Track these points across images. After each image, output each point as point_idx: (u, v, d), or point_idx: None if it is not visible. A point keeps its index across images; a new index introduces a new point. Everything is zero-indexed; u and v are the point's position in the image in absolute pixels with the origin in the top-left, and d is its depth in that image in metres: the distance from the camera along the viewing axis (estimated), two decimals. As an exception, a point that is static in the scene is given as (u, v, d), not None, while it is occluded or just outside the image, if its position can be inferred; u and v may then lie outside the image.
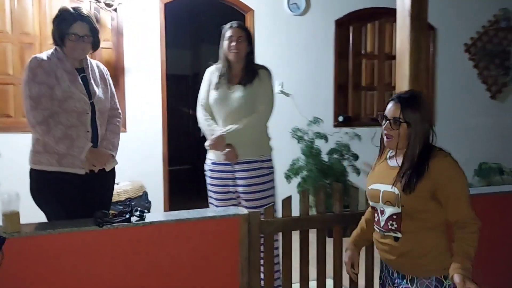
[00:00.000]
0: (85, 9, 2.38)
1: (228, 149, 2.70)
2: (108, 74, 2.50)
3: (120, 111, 2.53)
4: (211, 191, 2.87)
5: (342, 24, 4.97)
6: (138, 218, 2.16)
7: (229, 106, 2.74)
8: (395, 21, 2.81)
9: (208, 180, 2.87)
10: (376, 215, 1.90)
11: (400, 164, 1.81)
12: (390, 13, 4.76)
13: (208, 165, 2.87)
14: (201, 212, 2.51)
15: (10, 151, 3.56)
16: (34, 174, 2.29)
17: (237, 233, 2.30)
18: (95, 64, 2.45)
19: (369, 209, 2.06)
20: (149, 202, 3.87)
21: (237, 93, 2.73)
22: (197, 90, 2.92)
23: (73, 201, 2.25)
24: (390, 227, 1.81)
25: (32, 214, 2.18)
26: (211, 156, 2.84)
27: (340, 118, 4.96)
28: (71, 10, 2.28)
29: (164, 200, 4.33)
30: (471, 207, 1.75)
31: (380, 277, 2.01)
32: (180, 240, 2.24)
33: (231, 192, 2.81)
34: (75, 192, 2.26)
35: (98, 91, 2.37)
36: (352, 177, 4.41)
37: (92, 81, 2.36)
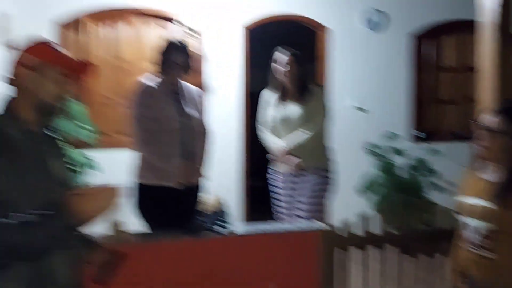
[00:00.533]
0: (185, 40, 2.68)
1: (292, 160, 2.92)
2: (199, 95, 2.75)
3: (209, 129, 2.76)
4: (275, 199, 3.11)
5: (420, 38, 4.91)
6: (224, 229, 2.34)
7: (288, 123, 2.99)
8: (475, 33, 2.77)
9: (272, 189, 3.12)
10: (465, 231, 1.78)
11: (495, 177, 1.72)
12: (470, 25, 4.63)
13: (271, 176, 3.10)
14: (281, 225, 2.65)
15: (106, 166, 3.97)
16: (138, 188, 2.56)
17: (315, 246, 2.40)
18: (189, 87, 2.71)
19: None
20: (227, 216, 4.07)
21: (294, 110, 2.98)
22: None
23: (170, 212, 2.49)
24: (482, 245, 1.70)
25: (132, 223, 2.44)
26: (274, 167, 3.09)
27: (418, 134, 4.87)
28: (176, 42, 2.59)
29: (243, 214, 4.52)
30: None
31: None
32: (262, 250, 2.38)
33: (293, 202, 3.00)
34: (171, 204, 2.50)
35: (191, 111, 2.62)
36: (431, 194, 4.30)
37: (185, 102, 2.62)
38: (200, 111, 2.70)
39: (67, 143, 3.63)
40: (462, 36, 4.99)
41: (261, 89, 3.25)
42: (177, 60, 2.53)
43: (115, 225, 2.22)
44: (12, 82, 1.38)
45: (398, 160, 4.37)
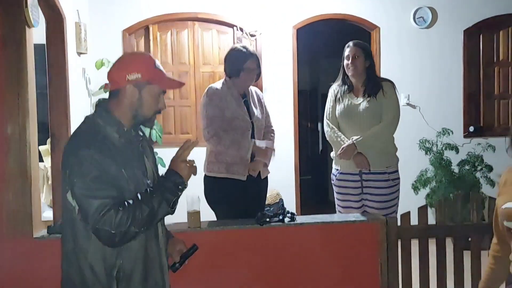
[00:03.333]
0: (248, 46, 2.87)
1: (360, 157, 2.82)
2: (263, 98, 2.96)
3: (273, 128, 2.97)
4: (338, 199, 3.00)
5: (471, 33, 4.89)
6: (290, 219, 2.53)
7: (355, 118, 2.89)
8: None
9: (335, 189, 3.01)
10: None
11: None
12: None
13: (335, 175, 3.01)
14: (343, 216, 2.80)
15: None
16: (207, 180, 2.81)
17: (376, 237, 2.53)
18: (253, 90, 2.93)
19: (495, 241, 1.77)
20: (285, 208, 4.26)
21: (362, 105, 2.88)
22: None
23: (237, 203, 2.72)
24: None
25: (205, 213, 2.68)
26: (338, 166, 2.98)
27: (471, 129, 4.86)
28: (243, 48, 2.77)
29: (296, 207, 4.70)
30: None
31: None
32: (324, 240, 2.54)
33: (356, 201, 2.92)
34: (238, 195, 2.73)
35: (257, 112, 2.84)
36: (485, 189, 4.31)
37: (252, 104, 2.84)
38: (264, 111, 2.91)
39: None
40: (515, 30, 4.94)
41: (309, 87, 3.30)
42: (248, 66, 2.72)
43: (194, 214, 2.45)
44: (115, 91, 1.56)
45: (451, 156, 4.40)
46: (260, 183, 2.87)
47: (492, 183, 4.29)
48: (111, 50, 4.27)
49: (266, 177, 2.92)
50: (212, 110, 2.74)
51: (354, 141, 2.83)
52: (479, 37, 4.94)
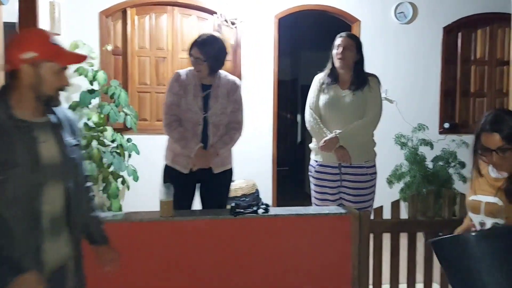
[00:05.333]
0: (208, 36, 2.70)
1: (341, 150, 2.80)
2: (239, 91, 2.76)
3: (240, 124, 2.76)
4: (315, 191, 2.98)
5: (450, 31, 4.94)
6: (264, 211, 2.51)
7: (339, 110, 2.86)
8: (508, 26, 2.79)
9: (313, 181, 2.98)
10: (473, 229, 1.88)
11: (503, 175, 1.79)
12: (502, 18, 4.65)
13: (313, 167, 2.98)
14: (317, 209, 2.80)
15: (145, 150, 4.19)
16: (165, 169, 2.79)
17: (349, 230, 2.54)
18: (227, 81, 2.74)
19: (466, 220, 2.01)
20: (261, 199, 4.25)
21: (347, 98, 2.85)
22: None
23: (178, 195, 2.52)
24: None
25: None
26: (317, 158, 2.95)
27: (446, 125, 4.94)
28: (198, 37, 2.68)
29: (272, 198, 4.69)
30: None
31: None
32: (298, 232, 2.53)
33: (334, 194, 2.91)
34: (179, 186, 2.55)
35: (216, 107, 2.68)
36: (458, 185, 4.39)
37: (213, 98, 2.68)
38: (231, 106, 2.72)
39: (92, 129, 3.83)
40: (495, 29, 5.01)
41: (289, 77, 3.21)
42: (194, 54, 2.61)
43: (167, 203, 2.41)
44: (11, 74, 1.46)
45: (426, 151, 4.46)
46: (214, 177, 2.73)
47: (464, 180, 4.37)
48: (86, 33, 4.15)
49: (227, 172, 2.80)
50: (171, 97, 2.69)
51: (338, 134, 2.81)
52: (458, 35, 5.00)
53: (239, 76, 4.51)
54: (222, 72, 2.77)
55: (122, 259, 1.80)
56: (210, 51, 2.61)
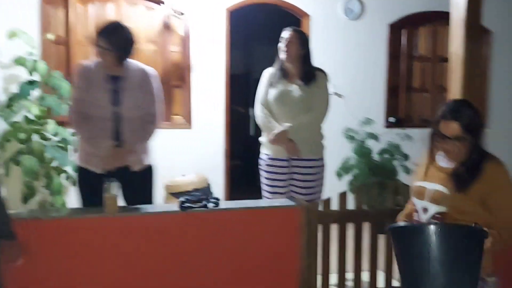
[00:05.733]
0: (114, 24, 2.58)
1: (291, 143, 2.87)
2: (153, 81, 2.58)
3: (155, 117, 2.60)
4: (266, 184, 3.02)
5: (395, 28, 5.11)
6: (214, 205, 2.49)
7: (288, 104, 2.91)
8: (448, 24, 2.92)
9: (264, 174, 3.03)
10: (415, 213, 1.93)
11: (451, 165, 1.84)
12: (444, 17, 4.84)
13: (264, 160, 3.02)
14: (267, 202, 2.82)
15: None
16: (76, 169, 2.64)
17: (298, 222, 2.58)
18: (139, 72, 2.56)
19: (409, 204, 2.05)
20: (212, 194, 4.22)
21: (295, 92, 2.91)
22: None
23: (91, 195, 2.47)
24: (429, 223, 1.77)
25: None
26: (267, 151, 3.00)
27: (391, 119, 5.12)
28: (108, 24, 2.53)
29: (225, 192, 4.67)
30: None
31: None
32: (247, 225, 2.54)
33: (284, 187, 2.97)
34: (93, 187, 2.44)
35: (127, 101, 2.49)
36: (401, 176, 4.56)
37: (124, 90, 2.49)
38: (147, 97, 2.56)
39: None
40: (437, 27, 5.24)
41: (241, 71, 3.22)
42: (99, 43, 2.44)
43: (111, 199, 2.33)
44: None
45: (372, 144, 4.60)
46: (134, 178, 2.58)
47: (408, 171, 4.56)
48: (26, 20, 3.90)
49: (146, 169, 2.64)
50: (76, 92, 2.48)
51: (286, 128, 2.86)
52: (402, 32, 5.18)
53: (188, 68, 4.44)
54: (132, 61, 2.59)
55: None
56: (116, 40, 2.47)
